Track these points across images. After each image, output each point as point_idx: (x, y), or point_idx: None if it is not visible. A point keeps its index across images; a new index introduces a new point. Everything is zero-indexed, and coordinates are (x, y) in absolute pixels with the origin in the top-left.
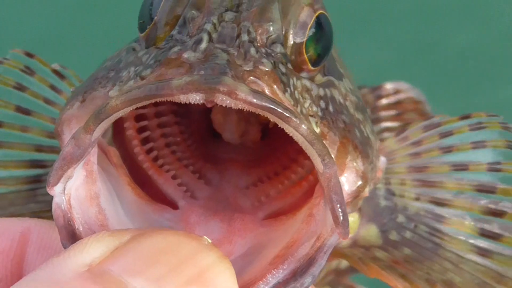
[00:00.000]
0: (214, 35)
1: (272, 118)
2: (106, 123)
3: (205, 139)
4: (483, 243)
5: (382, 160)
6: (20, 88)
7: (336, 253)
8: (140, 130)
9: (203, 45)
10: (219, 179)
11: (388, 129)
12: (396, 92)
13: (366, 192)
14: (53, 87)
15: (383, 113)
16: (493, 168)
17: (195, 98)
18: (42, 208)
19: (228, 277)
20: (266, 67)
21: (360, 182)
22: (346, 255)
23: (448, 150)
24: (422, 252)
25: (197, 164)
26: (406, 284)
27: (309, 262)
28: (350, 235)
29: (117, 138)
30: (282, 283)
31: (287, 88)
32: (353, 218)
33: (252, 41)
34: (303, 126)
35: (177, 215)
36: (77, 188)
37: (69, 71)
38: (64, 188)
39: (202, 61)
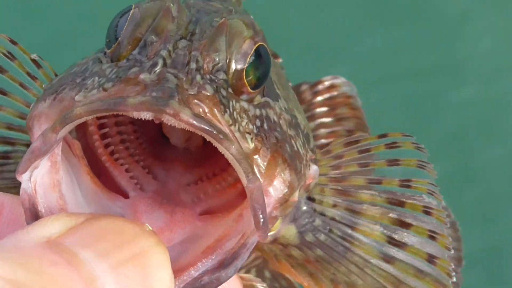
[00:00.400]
0: (168, 61)
1: (209, 138)
2: (70, 126)
3: (155, 140)
4: (389, 250)
5: (314, 169)
6: (0, 70)
7: (256, 247)
8: (100, 126)
9: (158, 69)
10: (165, 176)
11: (323, 125)
12: (331, 87)
13: (295, 197)
14: (29, 74)
15: (318, 110)
16: (404, 184)
17: (146, 115)
18: (8, 185)
19: (162, 259)
20: (208, 92)
21: (286, 190)
22: (263, 250)
23: (365, 165)
24: (332, 254)
25: (147, 161)
26: (311, 282)
27: (234, 255)
28: (272, 233)
29: (80, 131)
30: (209, 271)
31: (226, 109)
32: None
33: (199, 69)
34: (233, 147)
35: (128, 204)
36: (42, 176)
37: (45, 62)
38: (31, 176)
39: (155, 83)
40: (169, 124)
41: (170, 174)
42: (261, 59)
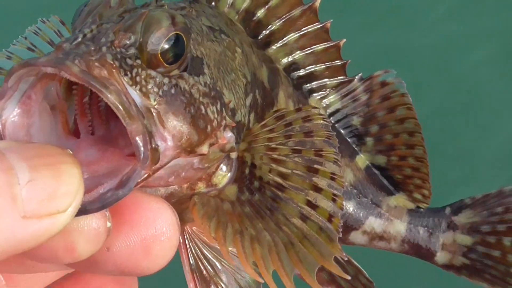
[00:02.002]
0: (88, 35)
1: (94, 90)
2: (15, 77)
3: None
4: (305, 211)
5: (229, 135)
6: (51, 44)
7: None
8: (84, 94)
9: (77, 41)
10: (115, 127)
11: (388, 130)
12: (384, 84)
13: (203, 150)
14: None
15: (379, 113)
16: (317, 154)
17: (51, 70)
18: None
19: (74, 170)
20: (107, 58)
21: (184, 139)
22: (196, 199)
23: (288, 136)
24: (259, 212)
25: (109, 117)
26: (211, 227)
27: (127, 178)
28: (218, 187)
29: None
30: (112, 190)
31: (127, 73)
32: (222, 175)
33: (107, 43)
34: (110, 95)
35: (75, 141)
36: (14, 116)
37: None
38: (1, 115)
39: (69, 49)
40: (64, 76)
41: (118, 126)
42: (176, 44)
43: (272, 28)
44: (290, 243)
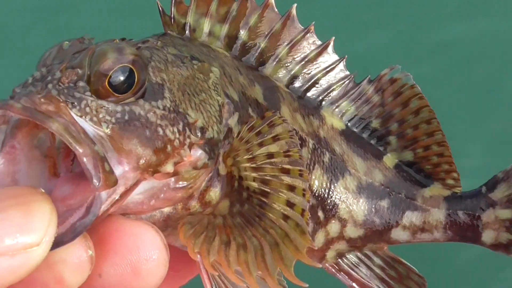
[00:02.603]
0: (37, 77)
1: (38, 123)
2: None
3: None
4: (286, 211)
5: (200, 152)
6: None
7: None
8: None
9: (27, 83)
10: None
11: (407, 124)
12: (393, 81)
13: (167, 169)
14: None
15: (395, 111)
16: (286, 155)
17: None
18: None
19: (45, 207)
20: (53, 93)
21: (142, 161)
22: (187, 219)
23: (261, 144)
24: (249, 220)
25: None
26: (193, 243)
27: (90, 204)
28: (212, 204)
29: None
30: (80, 218)
31: (75, 105)
32: (214, 192)
33: (52, 80)
34: (52, 124)
35: (55, 181)
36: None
37: None
38: None
39: (19, 92)
40: (11, 116)
41: None
42: (126, 73)
43: (261, 47)
44: (275, 244)
